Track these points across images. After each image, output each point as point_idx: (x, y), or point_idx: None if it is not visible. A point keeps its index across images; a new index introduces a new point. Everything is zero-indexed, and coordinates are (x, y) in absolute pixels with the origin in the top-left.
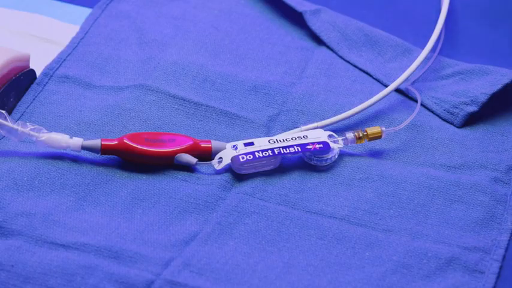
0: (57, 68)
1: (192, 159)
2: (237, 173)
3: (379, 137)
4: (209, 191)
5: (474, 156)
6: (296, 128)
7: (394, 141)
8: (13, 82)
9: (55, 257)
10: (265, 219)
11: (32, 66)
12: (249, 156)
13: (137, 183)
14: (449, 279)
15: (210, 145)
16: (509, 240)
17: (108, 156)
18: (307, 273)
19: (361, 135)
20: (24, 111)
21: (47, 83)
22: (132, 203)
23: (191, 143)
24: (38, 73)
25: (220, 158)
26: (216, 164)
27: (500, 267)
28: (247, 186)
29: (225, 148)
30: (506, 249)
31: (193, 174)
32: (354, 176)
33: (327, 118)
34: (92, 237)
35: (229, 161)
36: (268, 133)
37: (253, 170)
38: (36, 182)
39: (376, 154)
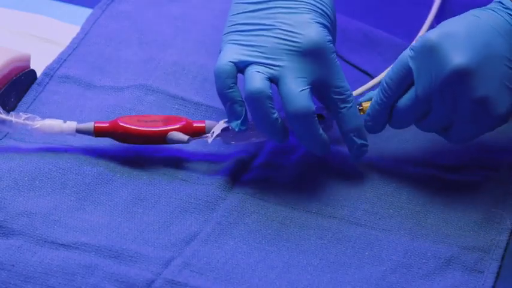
0: (58, 68)
1: (184, 137)
2: (236, 173)
3: None
4: (209, 191)
5: (473, 156)
6: None
7: (394, 141)
8: (14, 82)
9: (56, 256)
10: (265, 219)
11: (32, 67)
12: None
13: (138, 183)
14: (449, 278)
15: (203, 125)
16: (508, 239)
17: (108, 156)
18: (306, 273)
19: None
20: (25, 111)
21: (47, 83)
22: (132, 202)
23: (184, 122)
24: (38, 73)
25: (213, 131)
26: (209, 138)
27: (500, 267)
28: (247, 186)
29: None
30: (506, 249)
31: (193, 174)
32: (354, 176)
33: None
34: (93, 236)
35: (219, 131)
36: None
37: (243, 141)
38: (37, 182)
39: (375, 154)
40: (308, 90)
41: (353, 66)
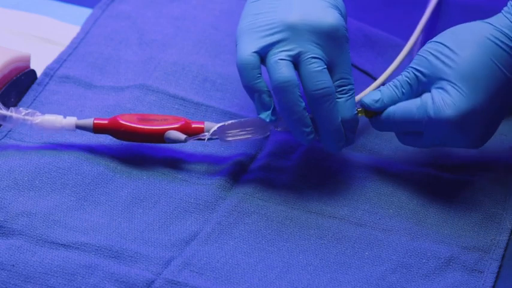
0: (58, 68)
1: (181, 136)
2: (236, 173)
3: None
4: (209, 191)
5: (473, 156)
6: None
7: (394, 141)
8: (14, 82)
9: (56, 256)
10: (265, 219)
11: (32, 67)
12: (234, 121)
13: (137, 183)
14: (449, 278)
15: (202, 126)
16: (508, 239)
17: (108, 155)
18: (306, 273)
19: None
20: None
21: (47, 83)
22: (132, 202)
23: (183, 122)
24: (38, 73)
25: (210, 131)
26: (206, 137)
27: (500, 267)
28: (247, 186)
29: None
30: (505, 249)
31: (193, 174)
32: (354, 176)
33: None
34: (93, 236)
35: (215, 129)
36: None
37: (238, 138)
38: (37, 182)
39: (376, 154)
40: (327, 70)
41: (353, 66)
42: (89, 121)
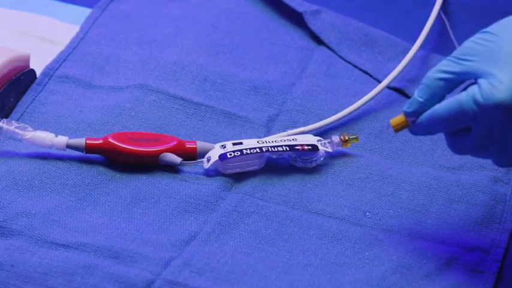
0: (57, 68)
1: (177, 159)
2: (236, 173)
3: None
4: (209, 191)
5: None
6: (285, 131)
7: (394, 141)
8: (13, 82)
9: (55, 256)
10: (265, 219)
11: (32, 66)
12: (237, 153)
13: (137, 183)
14: (449, 279)
15: (195, 145)
16: (509, 240)
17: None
18: (307, 273)
19: (347, 138)
20: (24, 111)
21: (47, 83)
22: (132, 203)
23: (175, 142)
24: (38, 73)
25: (209, 156)
26: (205, 163)
27: (500, 267)
28: (247, 186)
29: (212, 148)
30: (506, 249)
31: (193, 175)
32: (354, 176)
33: (326, 118)
34: (92, 237)
35: (217, 159)
36: (268, 133)
37: (238, 170)
38: (37, 182)
39: (376, 154)
40: None
41: (353, 66)
42: (81, 141)
